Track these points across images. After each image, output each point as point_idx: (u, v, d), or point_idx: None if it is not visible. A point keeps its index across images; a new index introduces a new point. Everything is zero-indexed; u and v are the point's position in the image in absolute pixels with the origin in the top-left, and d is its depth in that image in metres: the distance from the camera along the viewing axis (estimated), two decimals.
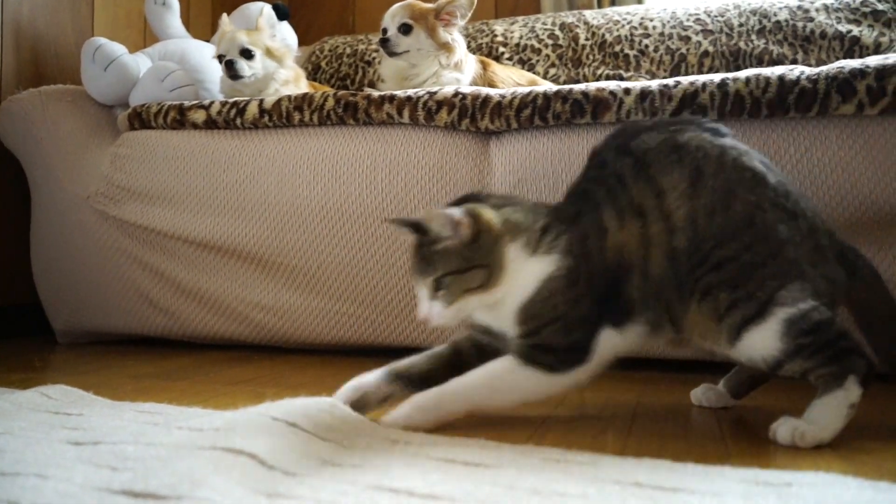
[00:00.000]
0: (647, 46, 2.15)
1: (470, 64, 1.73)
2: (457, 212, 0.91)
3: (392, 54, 1.71)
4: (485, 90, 1.50)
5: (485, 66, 1.78)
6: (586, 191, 0.97)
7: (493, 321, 0.97)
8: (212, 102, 1.71)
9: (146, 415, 0.96)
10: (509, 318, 0.93)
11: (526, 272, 0.92)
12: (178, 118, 1.74)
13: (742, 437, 0.94)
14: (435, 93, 1.51)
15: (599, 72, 2.16)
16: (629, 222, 0.91)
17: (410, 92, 1.54)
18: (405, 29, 1.70)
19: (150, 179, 1.73)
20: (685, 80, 1.35)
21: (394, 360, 0.99)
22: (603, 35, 2.21)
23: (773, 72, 1.31)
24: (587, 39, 2.23)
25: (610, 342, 0.92)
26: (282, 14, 2.21)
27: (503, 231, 0.93)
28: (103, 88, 1.88)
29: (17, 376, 1.34)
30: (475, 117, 1.47)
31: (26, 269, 1.92)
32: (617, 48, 2.17)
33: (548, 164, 1.42)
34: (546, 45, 2.26)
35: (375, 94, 1.56)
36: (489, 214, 0.93)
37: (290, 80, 1.88)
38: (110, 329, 1.83)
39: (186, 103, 1.74)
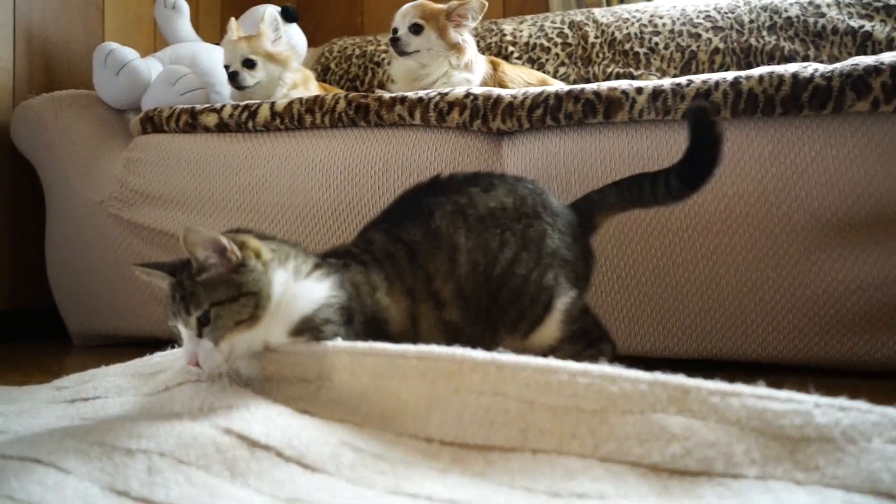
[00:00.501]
0: (657, 44, 2.14)
1: (480, 64, 1.73)
2: (221, 236, 0.85)
3: (402, 53, 1.71)
4: (496, 91, 1.50)
5: (495, 67, 1.78)
6: (351, 252, 0.99)
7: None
8: (223, 106, 1.72)
9: None
10: (280, 338, 0.90)
11: (300, 295, 0.89)
12: (189, 122, 1.75)
13: None
14: (446, 94, 1.51)
15: (610, 70, 2.16)
16: (398, 297, 0.95)
17: (422, 93, 1.54)
18: (416, 29, 1.70)
19: (163, 183, 1.74)
20: (698, 78, 1.34)
21: None
22: (612, 33, 2.20)
23: (787, 69, 1.30)
24: (597, 38, 2.22)
25: None
26: (290, 16, 2.21)
27: (272, 257, 0.88)
28: (115, 93, 1.90)
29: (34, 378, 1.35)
30: (487, 118, 1.47)
31: (43, 272, 1.93)
32: (627, 46, 2.17)
33: (560, 165, 1.42)
34: (555, 44, 2.25)
35: (387, 95, 1.57)
36: (255, 242, 0.89)
37: (299, 83, 1.88)
38: (125, 332, 1.84)
39: (198, 107, 1.75)
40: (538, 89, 1.46)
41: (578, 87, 1.42)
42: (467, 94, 1.50)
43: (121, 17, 2.39)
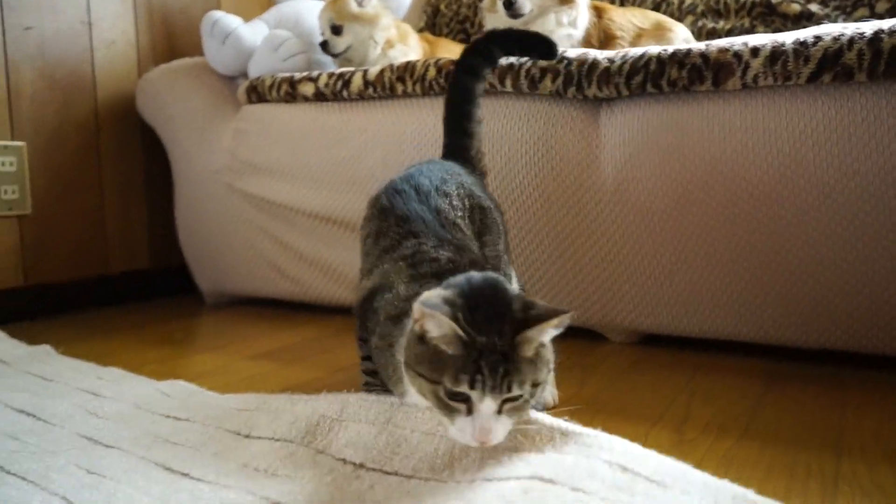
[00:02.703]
0: None
1: (583, 15, 1.57)
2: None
3: (516, 16, 1.55)
4: (592, 53, 1.36)
5: (599, 13, 1.61)
6: None
7: None
8: (319, 74, 1.70)
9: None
10: None
11: None
12: (289, 91, 1.75)
13: None
14: None
15: None
16: None
17: (513, 58, 1.43)
18: None
19: (266, 154, 1.77)
20: (827, 33, 1.14)
21: None
22: None
23: None
24: None
25: None
26: None
27: None
28: (223, 61, 1.93)
29: (155, 354, 1.47)
30: (581, 85, 1.34)
31: (176, 233, 2.07)
32: None
33: (662, 137, 1.28)
34: None
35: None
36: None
37: (394, 40, 1.82)
38: (247, 292, 1.95)
39: (297, 76, 1.75)
40: (639, 51, 1.30)
41: (684, 48, 1.25)
42: (560, 59, 1.37)
43: None
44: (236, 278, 1.94)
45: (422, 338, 0.77)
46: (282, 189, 1.76)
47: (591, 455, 0.77)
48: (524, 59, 1.41)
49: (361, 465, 0.83)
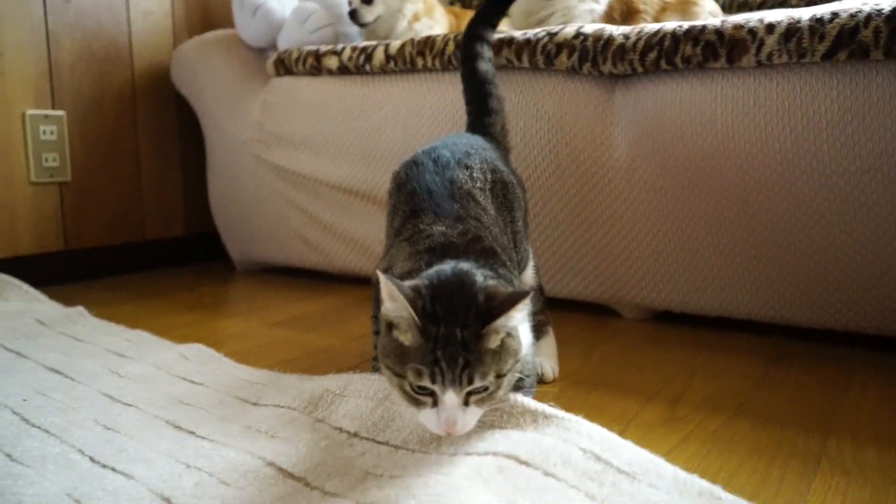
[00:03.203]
0: None
1: None
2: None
3: None
4: (608, 29, 1.35)
5: None
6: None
7: None
8: (343, 48, 1.73)
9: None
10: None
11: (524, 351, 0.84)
12: (315, 64, 1.78)
13: None
14: (555, 34, 1.39)
15: None
16: None
17: (530, 33, 1.43)
18: None
19: (293, 126, 1.82)
20: (845, 10, 1.11)
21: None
22: None
23: None
24: None
25: None
26: None
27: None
28: (253, 34, 1.97)
29: (182, 318, 1.54)
30: (597, 61, 1.34)
31: (208, 202, 2.14)
32: None
33: (676, 115, 1.27)
34: None
35: (495, 37, 1.47)
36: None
37: (421, 13, 1.83)
38: (275, 261, 2.01)
39: (322, 49, 1.78)
40: (654, 27, 1.29)
41: (699, 24, 1.24)
42: (577, 34, 1.37)
43: None
44: (265, 247, 2.00)
45: (390, 328, 0.78)
46: (307, 161, 1.80)
47: (568, 440, 0.79)
48: (541, 34, 1.41)
49: (356, 434, 0.87)
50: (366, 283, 1.86)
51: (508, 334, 0.77)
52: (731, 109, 1.22)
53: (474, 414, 0.76)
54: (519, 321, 0.78)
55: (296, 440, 0.87)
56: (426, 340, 0.73)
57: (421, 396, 0.76)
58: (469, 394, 0.75)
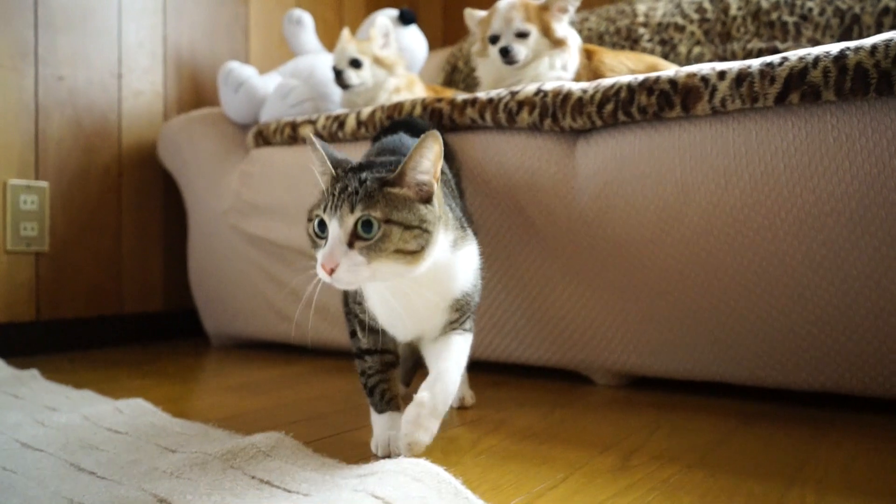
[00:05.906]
0: (810, 10, 1.82)
1: (574, 58, 1.56)
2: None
3: (511, 63, 1.54)
4: (567, 85, 1.35)
5: (590, 56, 1.61)
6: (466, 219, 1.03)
7: (401, 303, 0.89)
8: (318, 117, 1.75)
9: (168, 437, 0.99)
10: (441, 305, 0.92)
11: (459, 269, 0.92)
12: (291, 133, 1.80)
13: None
14: (517, 92, 1.40)
15: (751, 46, 1.87)
16: None
17: (493, 93, 1.44)
18: (523, 34, 1.51)
19: (269, 194, 1.82)
20: (794, 54, 1.10)
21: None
22: (759, 2, 1.91)
23: None
24: (739, 9, 1.94)
25: None
26: (407, 19, 2.21)
27: (443, 217, 0.88)
28: (237, 109, 2.01)
29: (137, 383, 1.48)
30: (556, 116, 1.34)
31: (188, 277, 2.12)
32: (773, 16, 1.87)
33: (634, 166, 1.25)
34: (692, 21, 2.01)
35: (459, 98, 1.49)
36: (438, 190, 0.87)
37: (402, 87, 1.86)
38: (248, 335, 1.96)
39: (299, 118, 1.80)
40: (610, 81, 1.29)
41: (654, 75, 1.23)
42: (537, 91, 1.37)
43: (264, 36, 2.54)
44: (239, 320, 1.96)
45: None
46: (281, 229, 1.79)
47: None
48: (504, 93, 1.42)
49: (268, 483, 0.80)
50: (336, 354, 1.80)
51: (423, 199, 0.83)
52: (690, 157, 1.19)
53: (355, 261, 0.78)
54: (439, 190, 0.86)
55: (200, 481, 0.80)
56: (332, 182, 0.83)
57: (319, 240, 0.82)
58: (355, 235, 0.78)
